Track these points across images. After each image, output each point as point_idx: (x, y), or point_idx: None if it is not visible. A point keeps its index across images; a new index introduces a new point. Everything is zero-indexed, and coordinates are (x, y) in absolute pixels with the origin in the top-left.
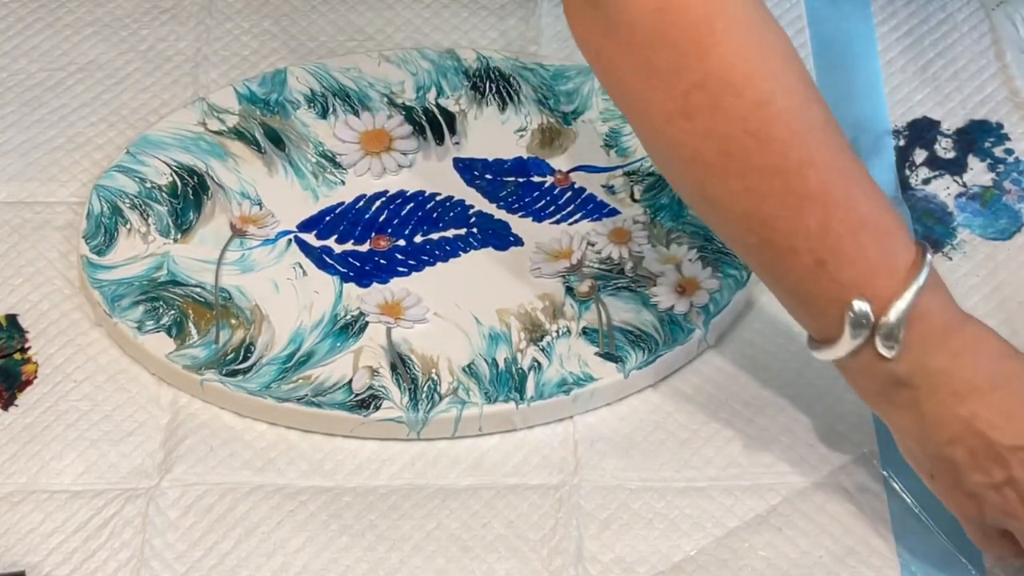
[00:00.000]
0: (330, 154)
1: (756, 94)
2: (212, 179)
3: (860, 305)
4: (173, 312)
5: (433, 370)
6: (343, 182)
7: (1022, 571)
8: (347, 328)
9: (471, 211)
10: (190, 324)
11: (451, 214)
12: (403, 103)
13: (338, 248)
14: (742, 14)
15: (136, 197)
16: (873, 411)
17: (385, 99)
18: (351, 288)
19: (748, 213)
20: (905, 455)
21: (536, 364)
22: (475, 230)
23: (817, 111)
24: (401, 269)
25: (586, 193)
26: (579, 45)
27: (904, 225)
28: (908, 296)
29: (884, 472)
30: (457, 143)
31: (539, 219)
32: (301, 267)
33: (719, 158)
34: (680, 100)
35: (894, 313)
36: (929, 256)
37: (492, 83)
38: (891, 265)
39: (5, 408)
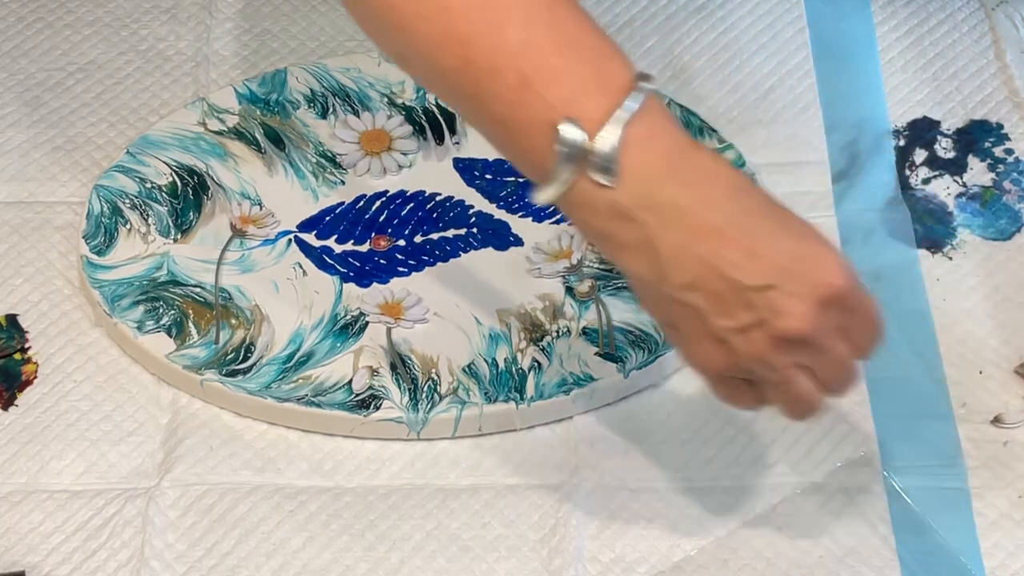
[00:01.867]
0: (330, 154)
1: None
2: (212, 179)
3: (568, 127)
4: (173, 312)
5: (433, 370)
6: (343, 182)
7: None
8: (347, 328)
9: (471, 211)
10: (190, 324)
11: (451, 214)
12: (403, 103)
13: (338, 248)
14: None
15: (136, 197)
16: (604, 255)
17: (385, 99)
18: (351, 288)
19: (445, 33)
20: (642, 304)
21: (536, 364)
22: (475, 230)
23: None
24: (401, 269)
25: None
26: None
27: (620, 53)
28: (623, 116)
29: (884, 472)
30: (457, 143)
31: (539, 219)
32: (301, 267)
33: None
34: None
35: (607, 134)
36: (652, 80)
37: None
38: (605, 85)
39: (5, 408)
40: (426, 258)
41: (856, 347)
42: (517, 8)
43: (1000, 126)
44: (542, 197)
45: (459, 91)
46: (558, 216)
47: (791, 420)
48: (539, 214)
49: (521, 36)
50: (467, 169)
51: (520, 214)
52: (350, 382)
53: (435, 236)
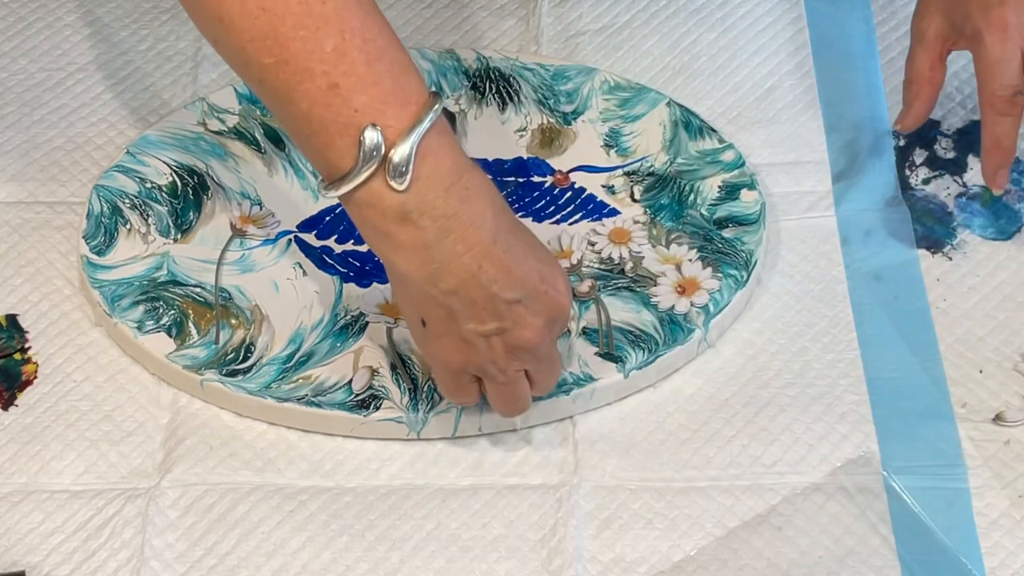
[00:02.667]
0: None
1: None
2: (212, 179)
3: (371, 133)
4: (173, 312)
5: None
6: None
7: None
8: (347, 328)
9: None
10: (190, 324)
11: None
12: None
13: (338, 248)
14: None
15: (136, 197)
16: (377, 253)
17: None
18: (351, 288)
19: (264, 32)
20: (398, 301)
21: None
22: None
23: None
24: None
25: (586, 193)
26: None
27: (418, 72)
28: (421, 127)
29: (884, 472)
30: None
31: (539, 219)
32: (301, 267)
33: None
34: None
35: (405, 143)
36: (442, 101)
37: (492, 83)
38: (404, 97)
39: (5, 408)
40: None
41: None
42: (334, 18)
43: None
44: (332, 192)
45: (270, 86)
46: (558, 216)
47: (503, 415)
48: (539, 214)
49: (335, 43)
50: None
51: (520, 214)
52: (350, 382)
53: None
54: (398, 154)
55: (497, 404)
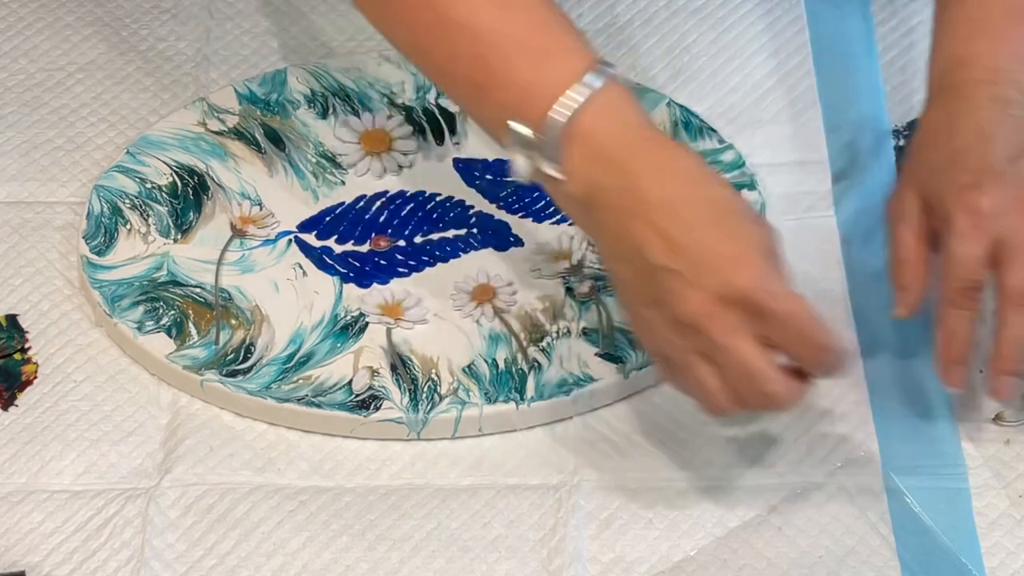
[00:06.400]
0: (330, 154)
1: None
2: (212, 179)
3: (517, 127)
4: (173, 312)
5: (433, 371)
6: (343, 182)
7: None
8: (347, 329)
9: (471, 212)
10: (190, 324)
11: (451, 215)
12: (403, 103)
13: (338, 248)
14: None
15: (136, 197)
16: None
17: (385, 99)
18: (351, 288)
19: (408, 41)
20: (605, 264)
21: (536, 365)
22: (475, 231)
23: None
24: (401, 270)
25: None
26: None
27: (575, 46)
28: (560, 115)
29: (884, 472)
30: (457, 143)
31: (539, 219)
32: (301, 267)
33: None
34: None
35: (549, 130)
36: (599, 77)
37: None
38: (546, 86)
39: (5, 408)
40: (426, 259)
41: (797, 358)
42: (466, 20)
43: None
44: (514, 177)
45: (434, 81)
46: (558, 217)
47: (707, 415)
48: (539, 214)
49: (470, 47)
50: (467, 169)
51: (520, 214)
52: (350, 382)
53: (435, 237)
54: (544, 143)
55: (692, 396)
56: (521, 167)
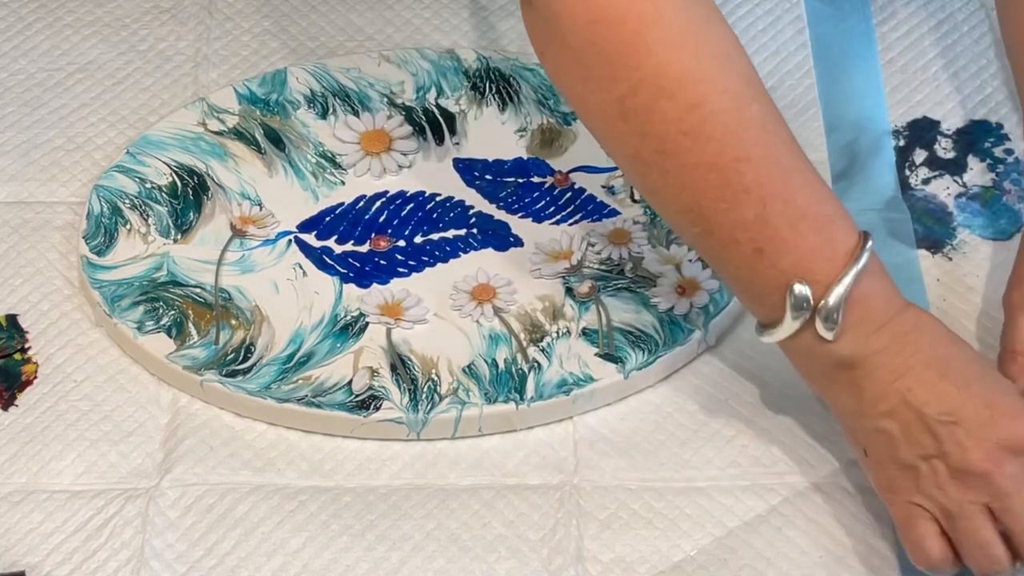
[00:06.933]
0: (330, 154)
1: (689, 97)
2: (212, 179)
3: (800, 289)
4: (173, 312)
5: (433, 371)
6: (343, 182)
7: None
8: (347, 329)
9: (471, 212)
10: (190, 324)
11: (451, 215)
12: (403, 103)
13: (338, 249)
14: (678, 18)
15: (136, 197)
16: (815, 391)
17: (385, 99)
18: (351, 289)
19: (688, 206)
20: (846, 434)
21: (536, 365)
22: (475, 231)
23: (756, 109)
24: (401, 270)
25: (586, 194)
26: (532, 44)
27: (846, 214)
28: (847, 280)
29: None
30: (457, 143)
31: (539, 219)
32: (301, 267)
33: (656, 156)
34: (616, 104)
35: (833, 296)
36: (870, 243)
37: (492, 83)
38: (830, 252)
39: (5, 408)
40: (426, 259)
41: None
42: (754, 187)
43: (1000, 126)
44: (768, 339)
45: (701, 248)
46: (558, 217)
47: (981, 569)
48: (539, 215)
49: (756, 212)
50: (467, 169)
51: (520, 214)
52: (350, 383)
53: (435, 236)
54: (827, 307)
55: (965, 551)
56: (783, 328)
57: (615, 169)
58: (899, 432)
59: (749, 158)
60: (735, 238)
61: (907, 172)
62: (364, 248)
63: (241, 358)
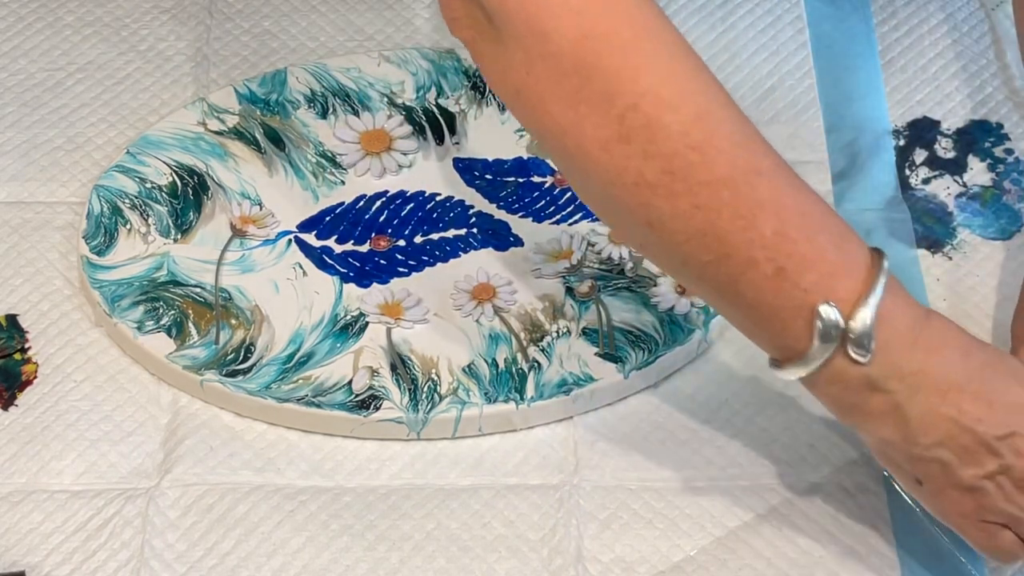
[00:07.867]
0: (330, 154)
1: (693, 107)
2: (212, 179)
3: (828, 310)
4: (173, 312)
5: (433, 370)
6: (343, 182)
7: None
8: (347, 328)
9: (471, 211)
10: (190, 324)
11: (451, 214)
12: (403, 103)
13: (338, 248)
14: (663, 33)
15: (136, 197)
16: (847, 424)
17: (385, 99)
18: (351, 288)
19: (700, 230)
20: (886, 465)
21: (536, 364)
22: (475, 230)
23: (749, 121)
24: (401, 269)
25: None
26: (494, 87)
27: (855, 232)
28: (875, 296)
29: (884, 472)
30: (457, 143)
31: (539, 219)
32: (301, 267)
33: (663, 177)
34: (615, 125)
35: (863, 313)
36: (886, 258)
37: None
38: (851, 267)
39: (5, 408)
40: (426, 258)
41: None
42: (768, 200)
43: (1000, 126)
44: (791, 375)
45: (711, 282)
46: (558, 216)
47: None
48: (539, 214)
49: (774, 226)
50: (467, 169)
51: (520, 214)
52: (350, 382)
53: (435, 236)
54: (858, 327)
55: None
56: (811, 358)
57: None
58: (955, 458)
59: (760, 169)
60: (754, 258)
61: (907, 172)
62: (364, 248)
63: (241, 358)
